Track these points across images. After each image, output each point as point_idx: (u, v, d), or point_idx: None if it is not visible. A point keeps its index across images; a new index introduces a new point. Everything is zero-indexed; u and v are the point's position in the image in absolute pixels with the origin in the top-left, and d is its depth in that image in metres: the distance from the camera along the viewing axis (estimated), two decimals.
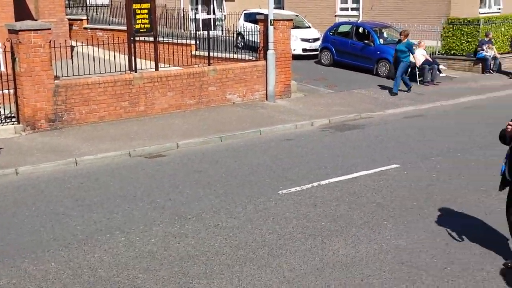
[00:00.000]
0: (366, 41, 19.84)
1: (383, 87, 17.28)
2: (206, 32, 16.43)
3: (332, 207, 7.98)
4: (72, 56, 16.88)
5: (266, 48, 15.13)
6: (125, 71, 14.02)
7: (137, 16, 14.14)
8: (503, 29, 20.46)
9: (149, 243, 6.86)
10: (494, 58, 19.72)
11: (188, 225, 7.40)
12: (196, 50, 17.55)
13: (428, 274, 6.04)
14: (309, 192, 8.64)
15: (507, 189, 6.06)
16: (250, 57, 16.11)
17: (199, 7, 29.04)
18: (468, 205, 8.02)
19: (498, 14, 23.38)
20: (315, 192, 8.61)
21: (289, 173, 9.59)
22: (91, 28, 21.85)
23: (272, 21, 14.84)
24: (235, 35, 16.88)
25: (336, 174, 9.46)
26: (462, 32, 20.37)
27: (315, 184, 8.97)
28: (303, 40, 22.36)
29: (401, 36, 16.88)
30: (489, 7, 24.78)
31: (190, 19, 23.81)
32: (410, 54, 16.82)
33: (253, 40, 16.63)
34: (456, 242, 6.78)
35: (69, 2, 24.36)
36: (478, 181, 8.95)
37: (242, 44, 20.32)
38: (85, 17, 22.69)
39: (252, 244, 6.82)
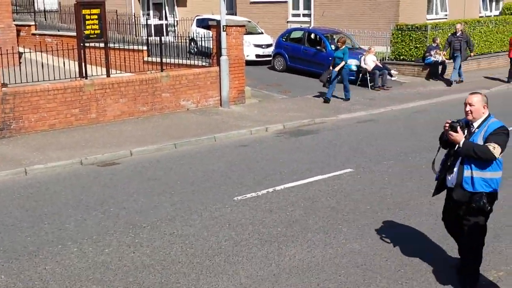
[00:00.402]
0: (318, 47, 20.09)
1: (335, 93, 17.48)
2: (158, 38, 16.28)
3: (288, 213, 8.02)
4: (20, 63, 16.43)
5: (219, 54, 15.11)
6: (76, 77, 13.74)
7: (87, 22, 13.87)
8: (449, 34, 21.04)
9: (103, 253, 6.73)
10: (442, 63, 20.27)
11: (143, 234, 7.30)
12: (148, 56, 17.38)
13: (382, 276, 6.14)
14: (264, 197, 8.65)
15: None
16: (204, 63, 16.06)
17: (151, 12, 28.79)
18: (420, 207, 8.20)
19: (445, 20, 24.07)
20: (270, 198, 8.63)
21: (244, 179, 9.58)
22: (39, 34, 21.33)
23: (225, 27, 14.85)
24: (187, 41, 16.80)
25: (291, 179, 9.51)
26: (411, 38, 20.87)
27: (271, 189, 9.00)
28: (256, 46, 22.46)
29: (338, 43, 16.74)
30: (436, 13, 25.48)
31: (142, 24, 23.57)
32: (345, 60, 16.27)
33: (206, 46, 16.59)
34: (409, 244, 6.91)
35: (16, 7, 23.73)
36: (429, 184, 9.13)
37: (195, 50, 20.25)
38: (33, 23, 22.14)
39: (208, 252, 6.77)
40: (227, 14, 15.42)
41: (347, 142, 12.11)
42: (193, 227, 7.55)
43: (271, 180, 9.46)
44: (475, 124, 5.44)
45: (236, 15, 27.97)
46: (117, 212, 8.05)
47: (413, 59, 20.92)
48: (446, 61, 20.29)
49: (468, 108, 5.43)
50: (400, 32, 21.12)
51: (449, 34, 19.94)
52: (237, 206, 8.29)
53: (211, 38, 15.66)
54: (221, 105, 15.26)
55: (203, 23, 21.99)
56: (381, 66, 18.81)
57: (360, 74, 18.67)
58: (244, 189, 9.05)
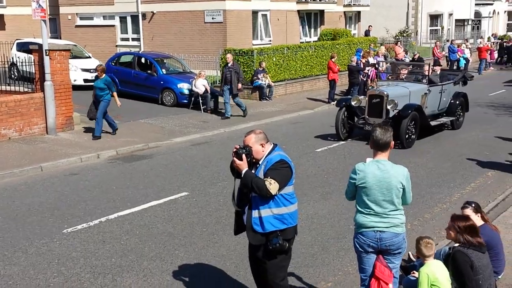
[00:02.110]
0: (149, 71, 19.94)
1: (169, 116, 17.46)
2: None
3: (122, 242, 7.74)
4: None
5: (42, 79, 14.28)
6: None
7: None
8: (274, 59, 22.19)
9: None
10: (269, 86, 21.24)
11: None
12: None
13: None
14: (97, 228, 8.27)
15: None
16: (26, 89, 15.05)
17: None
18: None
19: (269, 45, 25.32)
20: (103, 228, 8.27)
21: (75, 209, 9.09)
22: None
23: (48, 51, 14.09)
24: (7, 65, 15.65)
25: (125, 206, 9.22)
26: (239, 62, 21.56)
27: (103, 219, 8.63)
28: (84, 70, 21.63)
29: (98, 72, 14.39)
30: (261, 39, 26.70)
31: None
32: (111, 90, 14.47)
33: (28, 71, 15.60)
34: (246, 263, 7.02)
35: None
36: None
37: (17, 75, 18.94)
38: None
39: None
40: (51, 37, 14.70)
41: (182, 165, 12.08)
42: (18, 265, 6.96)
43: (104, 209, 9.09)
44: (260, 161, 5.10)
45: (60, 38, 26.78)
46: None
47: (242, 83, 21.62)
48: (272, 84, 21.30)
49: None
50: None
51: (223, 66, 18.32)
52: (67, 239, 7.82)
53: (33, 63, 14.76)
54: (47, 132, 14.39)
55: (24, 47, 20.66)
56: (209, 90, 18.99)
57: (193, 98, 18.84)
58: (75, 220, 8.57)
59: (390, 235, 5.12)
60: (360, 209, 5.20)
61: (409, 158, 12.28)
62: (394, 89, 14.43)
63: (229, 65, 17.85)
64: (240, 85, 17.92)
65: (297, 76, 23.51)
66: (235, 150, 5.03)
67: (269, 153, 5.08)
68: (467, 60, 30.37)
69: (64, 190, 10.23)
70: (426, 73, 15.20)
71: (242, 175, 4.98)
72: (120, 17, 26.75)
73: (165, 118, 17.22)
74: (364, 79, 21.24)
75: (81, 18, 27.54)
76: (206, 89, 18.75)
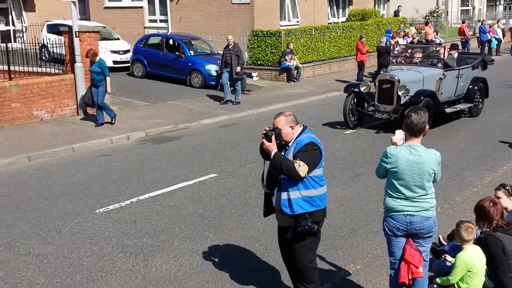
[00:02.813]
0: (177, 53, 19.99)
1: (197, 98, 17.53)
2: (4, 45, 15.19)
3: (153, 222, 7.85)
4: None
5: (73, 61, 14.45)
6: None
7: None
8: (302, 40, 22.03)
9: None
10: (297, 67, 21.13)
11: None
12: None
13: (249, 277, 6.20)
14: (128, 208, 8.40)
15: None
16: (57, 71, 15.26)
17: None
18: None
19: (297, 26, 25.12)
20: (134, 208, 8.40)
21: (106, 190, 9.24)
22: None
23: (77, 33, 14.23)
24: (38, 47, 15.86)
25: (155, 187, 9.33)
26: (266, 44, 21.51)
27: (134, 199, 8.76)
28: (113, 52, 21.81)
29: (89, 56, 13.43)
30: (289, 20, 26.47)
31: None
32: (106, 75, 13.45)
33: (59, 52, 15.79)
34: (275, 244, 7.07)
35: None
36: None
37: (47, 56, 19.19)
38: None
39: (69, 270, 6.42)
40: (80, 19, 14.83)
41: (210, 147, 12.15)
42: (52, 244, 7.12)
43: (135, 190, 9.21)
44: (290, 143, 5.07)
45: (89, 20, 26.96)
46: None
47: (270, 64, 21.57)
48: (300, 65, 21.19)
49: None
50: (256, 38, 21.68)
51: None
52: (99, 219, 7.96)
53: (63, 45, 14.93)
54: (78, 113, 14.60)
55: (54, 29, 20.89)
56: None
57: (220, 79, 18.85)
58: (107, 200, 8.72)
59: (420, 219, 5.09)
60: (390, 192, 5.17)
61: (439, 140, 12.13)
62: (406, 74, 13.58)
63: (230, 47, 16.85)
64: (239, 68, 16.84)
65: (325, 57, 23.32)
66: (264, 132, 5.00)
67: (298, 135, 5.04)
68: (499, 40, 29.69)
69: (96, 171, 10.40)
70: (442, 56, 14.22)
71: (272, 157, 4.96)
72: None
73: (193, 100, 17.30)
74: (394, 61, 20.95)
75: (109, 0, 27.66)
76: None
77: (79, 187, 9.38)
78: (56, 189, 9.31)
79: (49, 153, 11.40)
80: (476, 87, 14.83)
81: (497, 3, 45.60)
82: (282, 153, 5.03)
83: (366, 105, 13.82)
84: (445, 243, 6.50)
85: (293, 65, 20.97)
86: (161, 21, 26.51)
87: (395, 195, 5.12)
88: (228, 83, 17.02)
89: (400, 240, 5.21)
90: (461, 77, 14.39)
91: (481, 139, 12.48)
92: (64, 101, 14.42)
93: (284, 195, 5.02)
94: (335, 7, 29.81)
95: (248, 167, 10.53)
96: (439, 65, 14.12)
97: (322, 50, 23.09)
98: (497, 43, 29.46)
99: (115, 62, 21.72)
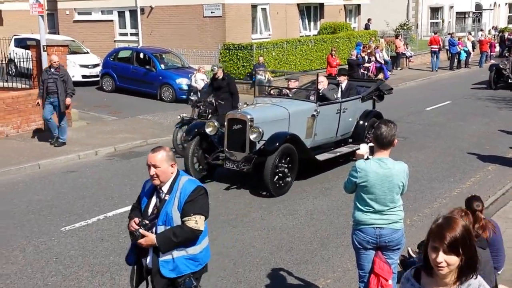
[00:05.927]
0: (147, 67, 19.84)
1: (168, 112, 17.39)
2: None
3: (120, 240, 7.68)
4: None
5: (40, 75, 14.19)
6: None
7: None
8: (273, 53, 22.09)
9: None
10: (268, 81, 21.14)
11: None
12: None
13: None
14: (95, 225, 8.22)
15: None
16: (24, 85, 14.98)
17: None
18: (253, 222, 8.35)
19: (269, 39, 25.20)
20: (101, 225, 8.22)
21: (73, 207, 9.04)
22: None
23: (45, 47, 14.02)
24: (5, 62, 15.59)
25: (123, 204, 9.16)
26: (238, 57, 21.52)
27: (102, 216, 8.58)
28: (82, 66, 21.57)
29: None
30: (261, 33, 26.56)
31: None
32: None
33: (26, 67, 15.53)
34: (245, 260, 6.98)
35: None
36: (261, 198, 9.40)
37: (14, 71, 18.88)
38: None
39: None
40: (49, 33, 14.61)
41: (181, 161, 11.99)
42: (15, 264, 6.91)
43: (102, 207, 9.04)
44: (164, 189, 4.30)
45: (58, 34, 26.66)
46: None
47: (241, 77, 21.56)
48: (272, 79, 21.22)
49: (152, 171, 4.24)
50: (227, 51, 21.67)
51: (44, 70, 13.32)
52: (65, 237, 7.77)
53: (31, 59, 14.69)
54: (45, 129, 14.32)
55: (22, 43, 20.59)
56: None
57: (191, 93, 18.74)
58: (73, 218, 8.53)
59: (389, 231, 5.08)
60: (359, 206, 5.15)
61: (409, 152, 12.21)
62: (265, 110, 10.36)
63: (51, 70, 12.50)
64: (68, 100, 12.70)
65: (296, 70, 23.43)
66: (133, 229, 4.28)
67: (174, 180, 4.29)
68: (468, 53, 30.21)
69: (62, 187, 10.18)
70: (317, 86, 10.82)
71: (158, 245, 4.19)
72: (118, 12, 26.60)
73: (163, 114, 17.13)
74: (365, 73, 21.16)
75: (79, 13, 27.41)
76: (205, 84, 18.66)
77: (45, 205, 9.16)
78: (21, 207, 9.08)
79: (14, 170, 11.14)
80: (366, 123, 11.56)
81: (466, 16, 46.55)
82: (159, 203, 4.32)
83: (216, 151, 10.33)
84: (413, 255, 6.49)
85: (265, 79, 20.96)
86: (131, 34, 26.36)
87: (364, 209, 5.10)
88: (52, 120, 13.00)
89: (369, 253, 5.19)
90: (344, 111, 11.14)
91: (451, 151, 12.61)
92: (31, 117, 14.15)
93: (165, 256, 4.27)
94: (306, 20, 30.02)
95: (223, 177, 10.42)
96: (312, 98, 10.94)
97: (294, 63, 23.19)
98: (466, 55, 29.97)
99: (84, 76, 21.47)
